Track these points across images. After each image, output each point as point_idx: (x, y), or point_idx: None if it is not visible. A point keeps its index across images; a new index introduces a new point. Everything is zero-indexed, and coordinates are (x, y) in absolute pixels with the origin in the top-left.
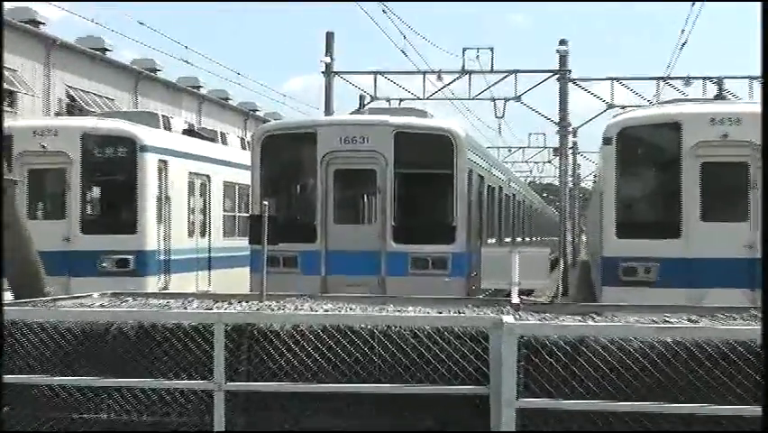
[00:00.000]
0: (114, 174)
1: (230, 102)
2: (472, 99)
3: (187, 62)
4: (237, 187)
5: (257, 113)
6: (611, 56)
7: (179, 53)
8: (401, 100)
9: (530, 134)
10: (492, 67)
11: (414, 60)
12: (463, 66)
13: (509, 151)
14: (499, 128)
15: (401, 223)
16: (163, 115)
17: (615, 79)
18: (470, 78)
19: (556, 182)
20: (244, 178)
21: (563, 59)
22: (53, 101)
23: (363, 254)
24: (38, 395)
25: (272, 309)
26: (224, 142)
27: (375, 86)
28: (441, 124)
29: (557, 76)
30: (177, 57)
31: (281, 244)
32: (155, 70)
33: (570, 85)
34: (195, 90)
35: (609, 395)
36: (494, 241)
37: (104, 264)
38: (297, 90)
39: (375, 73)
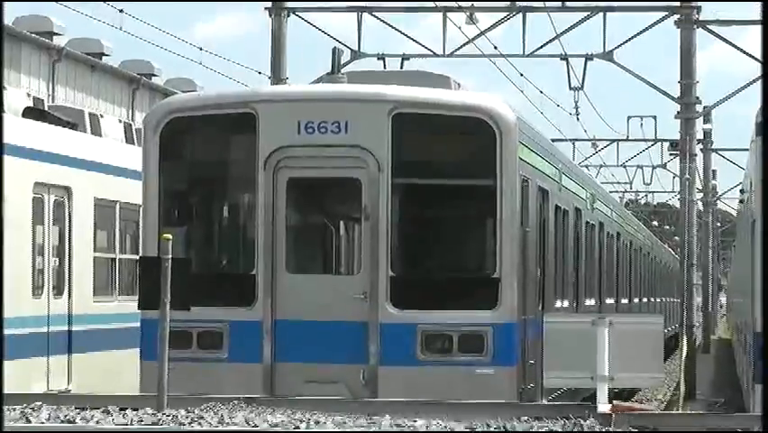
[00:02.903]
0: None
1: (106, 60)
2: (530, 57)
3: None
4: (118, 208)
5: (154, 79)
6: None
7: None
8: (405, 58)
9: (629, 118)
10: (563, 1)
11: None
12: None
13: (593, 147)
14: (576, 108)
15: (405, 272)
16: None
17: None
18: (524, 21)
19: (674, 202)
20: (131, 192)
21: None
22: None
23: (338, 327)
24: None
25: (180, 423)
26: (96, 130)
27: (359, 33)
28: (474, 100)
29: (676, 17)
30: None
31: (195, 309)
32: None
33: (698, 32)
34: (46, 40)
35: None
36: (566, 304)
37: None
38: (223, 40)
39: (359, 10)
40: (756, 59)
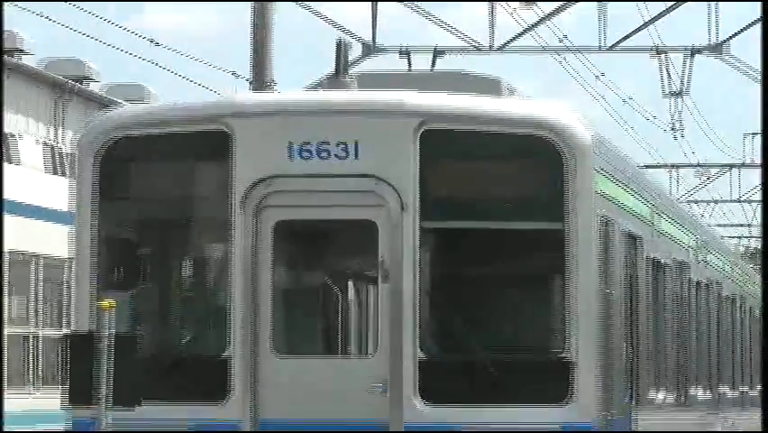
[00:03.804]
0: None
1: (25, 60)
2: (610, 51)
3: None
4: (38, 264)
5: (89, 84)
6: None
7: None
8: (437, 54)
9: (747, 136)
10: None
11: None
12: None
13: (699, 174)
14: (675, 122)
15: (440, 353)
16: None
17: None
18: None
19: None
20: (56, 242)
21: None
22: None
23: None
24: None
25: None
26: (9, 155)
27: (374, 22)
28: (534, 112)
29: None
30: None
31: (147, 406)
32: None
33: None
34: None
35: None
36: (668, 396)
37: None
38: (186, 31)
39: None
40: None
